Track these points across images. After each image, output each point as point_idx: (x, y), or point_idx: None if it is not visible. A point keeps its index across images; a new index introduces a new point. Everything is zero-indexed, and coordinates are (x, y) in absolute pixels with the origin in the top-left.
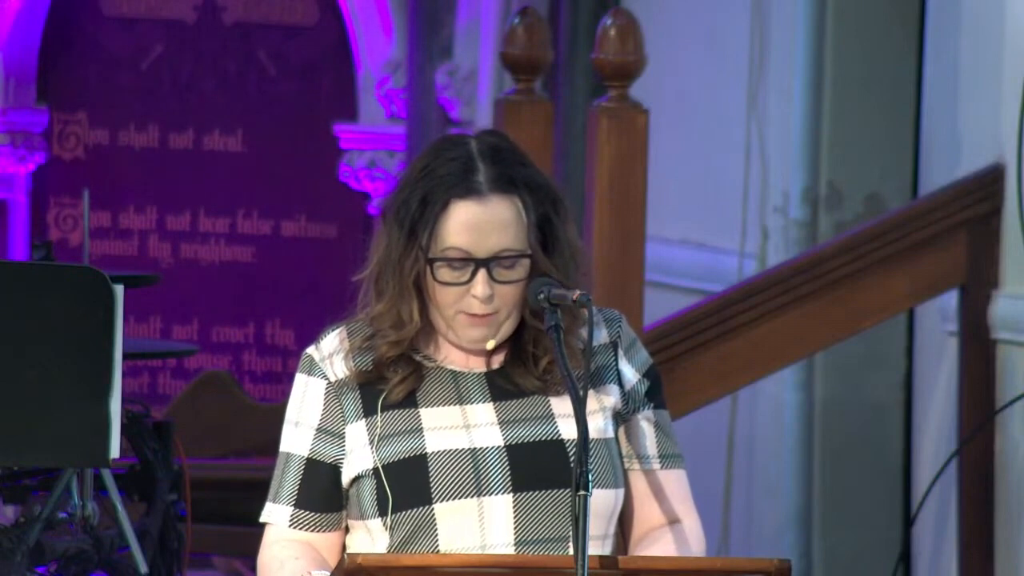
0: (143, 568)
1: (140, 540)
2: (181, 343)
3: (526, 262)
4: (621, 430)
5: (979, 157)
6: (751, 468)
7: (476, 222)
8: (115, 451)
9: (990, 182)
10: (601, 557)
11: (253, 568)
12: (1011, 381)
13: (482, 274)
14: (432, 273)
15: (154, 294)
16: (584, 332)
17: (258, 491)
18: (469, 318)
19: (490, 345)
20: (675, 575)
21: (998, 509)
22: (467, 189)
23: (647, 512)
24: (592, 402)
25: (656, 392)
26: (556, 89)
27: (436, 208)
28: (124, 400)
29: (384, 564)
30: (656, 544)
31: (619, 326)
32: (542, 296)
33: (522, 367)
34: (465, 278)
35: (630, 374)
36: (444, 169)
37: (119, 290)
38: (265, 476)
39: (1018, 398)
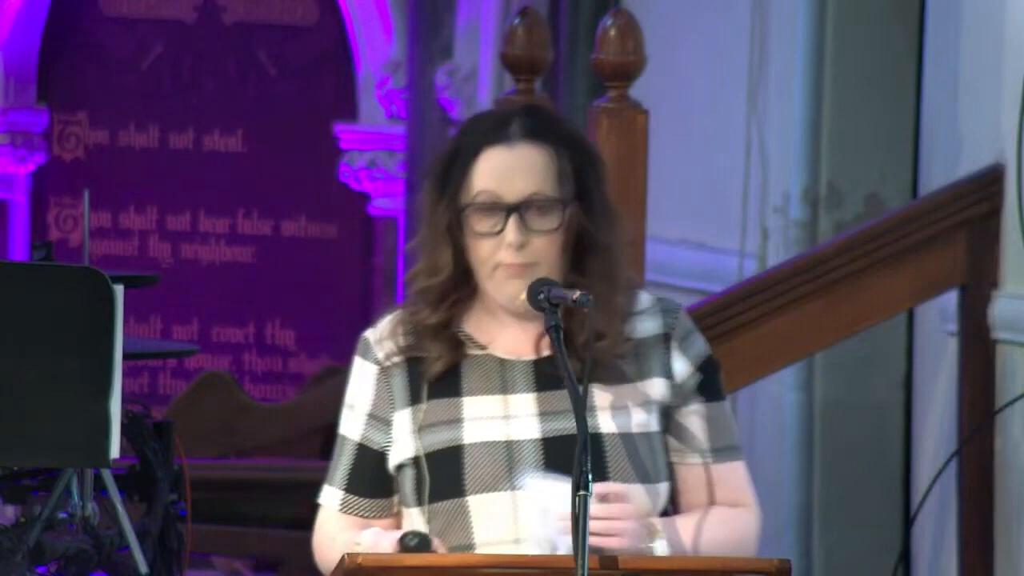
0: (143, 568)
1: (140, 540)
2: (181, 343)
3: (562, 213)
4: (673, 425)
5: (979, 157)
6: (751, 468)
7: (504, 166)
8: (115, 451)
9: (990, 182)
10: (601, 557)
11: (253, 568)
12: (1011, 381)
13: (514, 220)
14: (467, 223)
15: (154, 294)
16: (636, 324)
17: (258, 491)
18: (507, 269)
19: (522, 297)
20: (675, 575)
21: (998, 509)
22: (498, 137)
23: (696, 502)
24: (635, 395)
25: (710, 385)
26: (556, 89)
27: (467, 156)
28: (124, 400)
29: (384, 564)
30: (696, 515)
31: (675, 317)
32: (542, 296)
33: (568, 346)
34: (498, 227)
35: (682, 367)
36: (480, 125)
37: (119, 290)
38: (265, 476)
39: (1018, 398)
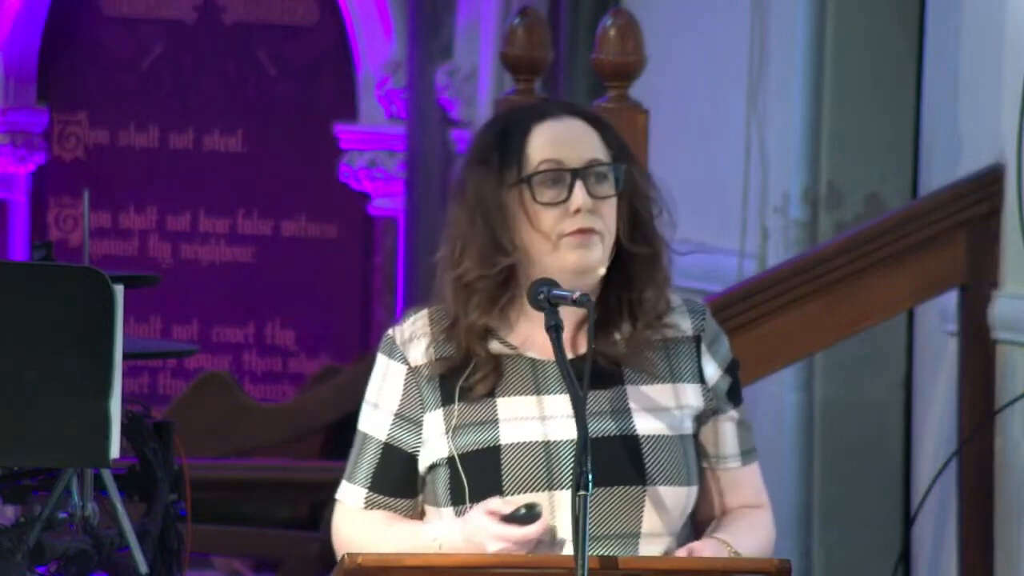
0: (143, 568)
1: (140, 540)
2: (181, 343)
3: (619, 178)
4: (704, 429)
5: (979, 157)
6: None
7: (560, 135)
8: (115, 451)
9: (990, 182)
10: (601, 557)
11: (253, 568)
12: (1011, 381)
13: (580, 185)
14: (532, 194)
15: (154, 294)
16: (670, 322)
17: (258, 491)
18: (574, 237)
19: (601, 271)
20: (675, 575)
21: (998, 509)
22: (543, 114)
23: (724, 506)
24: (669, 397)
25: (736, 388)
26: (556, 89)
27: (519, 135)
28: (124, 400)
29: (384, 564)
30: (744, 519)
31: (703, 318)
32: (542, 296)
33: (606, 337)
34: (563, 195)
35: (712, 371)
36: (516, 111)
37: (119, 290)
38: (265, 476)
39: (1018, 398)
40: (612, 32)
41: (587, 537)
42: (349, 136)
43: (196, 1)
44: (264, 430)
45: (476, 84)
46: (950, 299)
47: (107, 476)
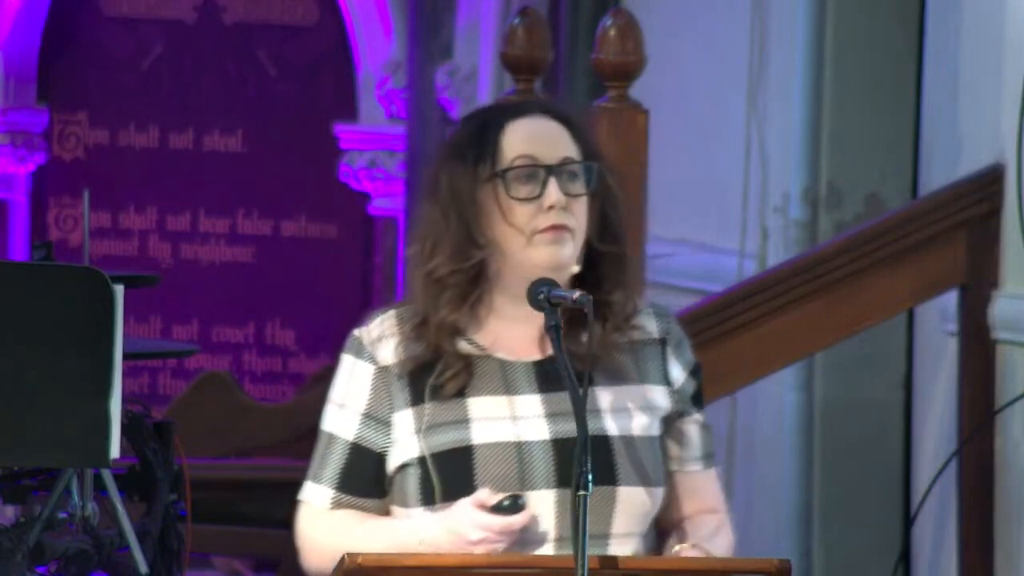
0: (143, 568)
1: (140, 540)
2: (181, 343)
3: (591, 176)
4: (670, 432)
5: (979, 157)
6: (751, 468)
7: (536, 132)
8: (115, 451)
9: (990, 182)
10: (601, 557)
11: (253, 568)
12: (1011, 381)
13: (553, 182)
14: (506, 188)
15: (154, 294)
16: (637, 323)
17: (258, 491)
18: (548, 233)
19: (575, 269)
20: (675, 575)
21: (998, 509)
22: (519, 112)
23: (688, 509)
24: (637, 398)
25: (700, 392)
26: (556, 89)
27: (494, 131)
28: (124, 400)
29: (384, 564)
30: (712, 525)
31: (669, 321)
32: (542, 296)
33: (575, 338)
34: (537, 191)
35: (678, 373)
36: (493, 109)
37: (119, 290)
38: (265, 476)
39: (1018, 398)
40: (612, 32)
41: (587, 536)
42: (349, 136)
43: (196, 1)
44: (264, 430)
45: (476, 84)
46: (950, 299)
47: (107, 476)
